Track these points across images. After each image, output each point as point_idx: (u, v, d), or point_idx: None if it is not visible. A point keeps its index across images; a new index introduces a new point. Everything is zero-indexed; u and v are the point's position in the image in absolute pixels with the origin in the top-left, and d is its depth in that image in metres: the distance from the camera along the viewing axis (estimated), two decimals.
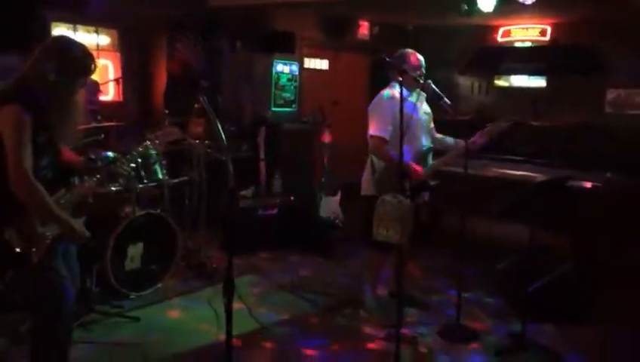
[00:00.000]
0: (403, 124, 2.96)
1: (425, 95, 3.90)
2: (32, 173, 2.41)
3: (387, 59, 3.09)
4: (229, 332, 2.25)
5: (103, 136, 3.82)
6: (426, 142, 3.92)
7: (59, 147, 2.72)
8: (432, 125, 4.10)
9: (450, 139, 4.08)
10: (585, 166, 5.39)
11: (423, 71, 3.83)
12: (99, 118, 4.12)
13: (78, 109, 2.72)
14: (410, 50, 3.86)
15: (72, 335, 2.89)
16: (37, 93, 2.50)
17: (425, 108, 4.00)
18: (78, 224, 2.63)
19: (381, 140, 3.68)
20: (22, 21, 4.77)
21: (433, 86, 3.71)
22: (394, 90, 3.71)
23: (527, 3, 4.27)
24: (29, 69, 2.55)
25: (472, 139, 3.81)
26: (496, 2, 4.44)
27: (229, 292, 2.21)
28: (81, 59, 2.61)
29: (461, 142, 3.81)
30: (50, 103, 2.54)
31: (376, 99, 3.87)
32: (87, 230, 2.91)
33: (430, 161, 3.95)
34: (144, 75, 5.90)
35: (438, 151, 4.06)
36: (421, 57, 3.87)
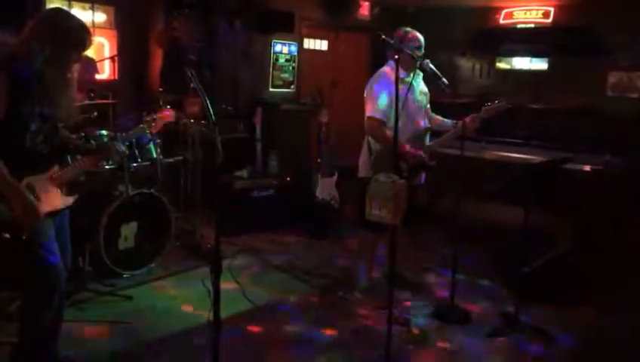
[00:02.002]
0: (398, 104, 2.92)
1: (422, 74, 3.85)
2: None
3: (383, 38, 3.03)
4: (216, 312, 2.24)
5: (95, 114, 3.79)
6: (423, 122, 3.88)
7: (56, 124, 2.69)
8: (428, 105, 4.05)
9: (446, 120, 4.03)
10: (585, 149, 5.36)
11: (422, 51, 3.77)
12: (92, 95, 4.08)
13: (72, 85, 2.69)
14: (409, 29, 3.80)
15: (62, 313, 2.88)
16: (24, 63, 2.46)
17: (422, 88, 3.96)
18: (31, 203, 2.52)
19: (378, 122, 3.66)
20: None
21: (431, 65, 3.66)
22: (390, 70, 3.68)
23: None
24: (22, 39, 2.51)
25: (467, 120, 3.76)
26: None
27: (216, 269, 2.20)
28: (77, 32, 2.56)
29: (458, 124, 3.78)
30: (39, 75, 2.49)
31: (372, 79, 3.83)
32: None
33: (427, 141, 3.90)
34: (141, 53, 5.82)
35: (435, 131, 4.02)
36: (420, 36, 3.81)
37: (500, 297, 4.11)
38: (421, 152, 3.75)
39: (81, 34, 2.56)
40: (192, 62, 2.55)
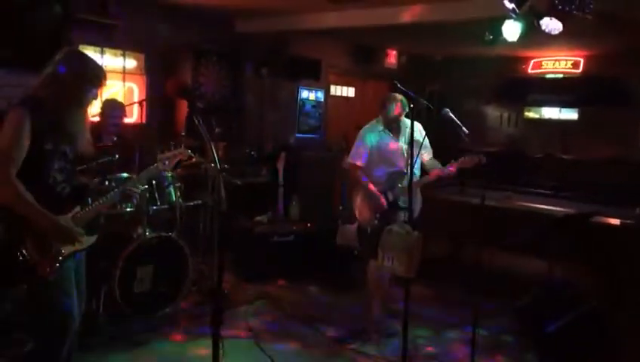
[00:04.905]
0: (413, 150, 2.99)
1: (408, 127, 3.92)
2: (15, 169, 2.42)
3: (399, 86, 3.05)
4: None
5: (117, 156, 3.86)
6: (402, 165, 4.13)
7: (75, 165, 2.75)
8: (424, 151, 4.18)
9: (437, 165, 4.21)
10: (615, 202, 5.19)
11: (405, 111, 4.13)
12: (114, 138, 4.16)
13: (87, 123, 2.78)
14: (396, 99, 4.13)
15: (72, 357, 2.85)
16: (45, 101, 2.54)
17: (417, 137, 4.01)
18: (68, 223, 2.58)
19: (353, 166, 4.19)
20: (50, 44, 4.89)
21: (451, 114, 3.66)
22: (376, 123, 4.26)
23: (553, 33, 4.14)
24: (43, 80, 2.59)
25: (449, 167, 4.03)
26: (522, 32, 4.33)
27: (216, 321, 2.15)
28: (94, 72, 2.66)
29: (444, 169, 4.10)
30: (60, 113, 2.57)
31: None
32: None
33: (400, 184, 4.09)
34: (168, 98, 5.97)
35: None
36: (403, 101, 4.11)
37: (523, 355, 3.92)
38: (382, 197, 4.04)
39: (97, 73, 2.66)
40: (195, 107, 2.63)
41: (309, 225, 5.53)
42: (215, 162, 2.24)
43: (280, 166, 5.67)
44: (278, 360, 3.67)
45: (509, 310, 4.35)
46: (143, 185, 3.42)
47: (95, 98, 2.73)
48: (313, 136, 7.70)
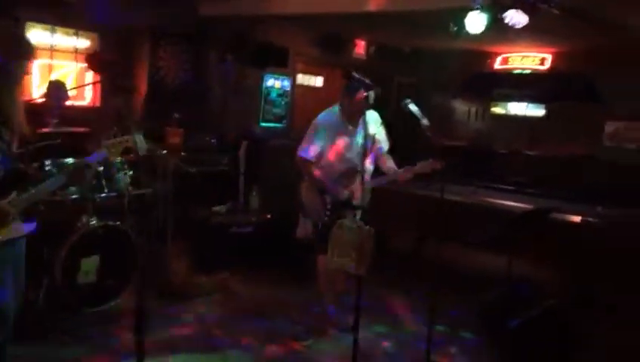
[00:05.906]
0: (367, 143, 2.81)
1: (366, 119, 3.74)
2: None
3: (354, 74, 2.90)
4: None
5: (58, 140, 3.63)
6: (357, 162, 3.82)
7: (12, 146, 2.55)
8: (380, 146, 4.03)
9: (390, 161, 4.04)
10: (579, 199, 5.19)
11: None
12: (55, 121, 3.93)
13: (21, 100, 2.61)
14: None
15: (5, 350, 2.67)
16: None
17: (372, 130, 3.88)
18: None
19: (303, 160, 3.89)
20: None
21: (411, 106, 3.52)
22: (334, 112, 3.94)
23: (517, 26, 4.06)
24: None
25: (401, 171, 3.88)
26: (486, 25, 4.24)
27: (139, 327, 1.99)
28: (26, 44, 2.55)
29: (402, 170, 3.89)
30: None
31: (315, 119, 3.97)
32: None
33: (358, 179, 3.86)
34: (125, 80, 5.71)
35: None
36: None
37: (482, 352, 3.86)
38: (340, 190, 3.84)
39: (26, 47, 2.54)
40: (123, 88, 2.47)
41: (268, 216, 5.38)
42: (137, 149, 2.07)
43: (241, 155, 5.50)
44: (229, 357, 3.55)
45: (470, 306, 4.31)
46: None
47: (27, 73, 2.58)
48: (278, 125, 7.52)
